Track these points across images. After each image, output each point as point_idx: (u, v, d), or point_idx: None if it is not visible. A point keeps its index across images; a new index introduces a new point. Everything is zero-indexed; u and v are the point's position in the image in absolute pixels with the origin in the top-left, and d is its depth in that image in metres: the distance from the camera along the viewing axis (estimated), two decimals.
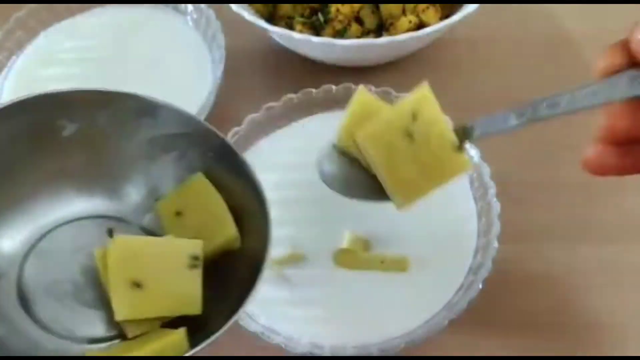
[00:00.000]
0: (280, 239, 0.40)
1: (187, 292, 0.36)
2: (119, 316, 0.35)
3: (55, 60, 0.58)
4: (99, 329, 0.38)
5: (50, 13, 0.59)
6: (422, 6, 0.56)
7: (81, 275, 0.39)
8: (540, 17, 0.63)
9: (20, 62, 0.58)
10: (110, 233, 0.40)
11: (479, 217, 0.46)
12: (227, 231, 0.38)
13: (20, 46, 0.58)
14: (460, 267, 0.44)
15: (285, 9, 0.58)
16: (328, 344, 0.41)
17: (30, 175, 0.39)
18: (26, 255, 0.39)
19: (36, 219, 0.40)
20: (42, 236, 0.40)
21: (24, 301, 0.38)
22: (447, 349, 0.43)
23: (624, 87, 0.25)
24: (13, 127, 0.37)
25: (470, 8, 0.53)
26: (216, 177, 0.40)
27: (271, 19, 0.58)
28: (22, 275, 0.39)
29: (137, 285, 0.35)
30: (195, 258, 0.36)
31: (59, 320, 0.37)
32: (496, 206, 0.44)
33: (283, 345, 0.40)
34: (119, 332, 0.37)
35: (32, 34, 0.59)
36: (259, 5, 0.58)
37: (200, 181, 0.40)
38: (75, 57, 0.57)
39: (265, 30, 0.54)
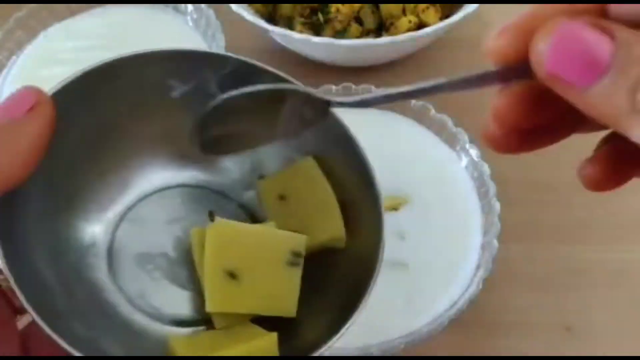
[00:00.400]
0: None
1: (284, 292, 0.33)
2: (211, 307, 0.32)
3: (55, 60, 0.57)
4: (185, 310, 0.35)
5: (50, 13, 0.59)
6: (422, 6, 0.56)
7: (174, 249, 0.36)
8: None
9: (20, 62, 0.58)
10: (211, 216, 0.36)
11: (482, 216, 0.46)
12: (333, 228, 0.34)
13: (20, 46, 0.58)
14: (460, 267, 0.44)
15: (285, 9, 0.58)
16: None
17: (131, 139, 0.36)
18: (119, 221, 0.36)
19: (132, 185, 0.37)
20: (137, 202, 0.37)
21: (113, 272, 0.35)
22: (447, 349, 0.43)
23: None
24: (119, 87, 0.34)
25: (470, 8, 0.53)
26: (327, 164, 0.36)
27: (271, 19, 0.58)
28: (114, 242, 0.36)
29: (232, 276, 0.32)
30: (297, 255, 0.33)
31: (145, 295, 0.35)
32: (496, 206, 0.44)
33: None
34: (205, 317, 0.34)
35: (32, 34, 0.59)
36: (259, 5, 0.58)
37: (310, 166, 0.36)
38: (75, 57, 0.57)
39: (265, 30, 0.54)
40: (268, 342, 0.31)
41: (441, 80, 0.25)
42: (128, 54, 0.33)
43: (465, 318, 0.40)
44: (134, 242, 0.36)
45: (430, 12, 0.56)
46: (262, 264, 0.33)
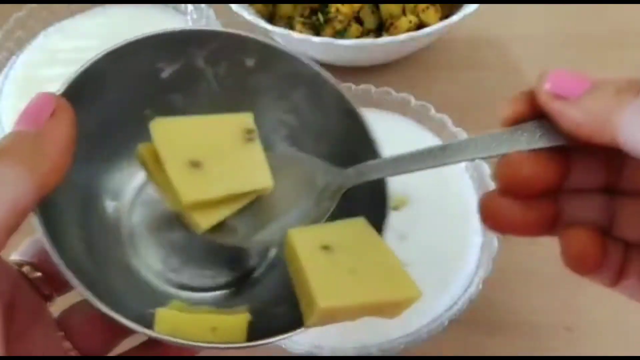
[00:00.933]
0: None
1: (252, 166, 0.33)
2: (186, 198, 0.31)
3: (55, 60, 0.57)
4: (205, 277, 0.37)
5: (50, 13, 0.59)
6: (422, 6, 0.56)
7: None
8: (540, 17, 0.63)
9: (20, 62, 0.58)
10: (149, 117, 0.34)
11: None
12: (407, 287, 0.30)
13: (20, 46, 0.58)
14: (460, 267, 0.44)
15: (285, 9, 0.58)
16: (328, 344, 0.41)
17: (132, 124, 0.35)
18: (132, 206, 0.38)
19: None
20: (144, 186, 0.38)
21: (137, 251, 0.37)
22: (447, 349, 0.43)
23: (528, 137, 0.25)
24: (115, 77, 0.34)
25: (470, 8, 0.53)
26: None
27: (271, 19, 0.58)
28: (132, 226, 0.37)
29: (195, 164, 0.31)
30: (250, 131, 0.33)
31: (168, 267, 0.37)
32: None
33: (283, 345, 0.40)
34: (221, 283, 0.37)
35: (32, 34, 0.59)
36: (259, 5, 0.58)
37: (361, 224, 0.33)
38: (75, 57, 0.57)
39: (265, 30, 0.54)
40: (239, 320, 0.31)
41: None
42: (116, 45, 0.33)
43: (465, 318, 0.40)
44: (151, 223, 0.37)
45: (430, 12, 0.56)
46: (219, 148, 0.32)
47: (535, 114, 0.25)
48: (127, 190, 0.38)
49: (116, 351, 0.32)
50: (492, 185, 0.45)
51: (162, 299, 0.34)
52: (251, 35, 0.35)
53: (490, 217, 0.27)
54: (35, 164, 0.25)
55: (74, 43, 0.59)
